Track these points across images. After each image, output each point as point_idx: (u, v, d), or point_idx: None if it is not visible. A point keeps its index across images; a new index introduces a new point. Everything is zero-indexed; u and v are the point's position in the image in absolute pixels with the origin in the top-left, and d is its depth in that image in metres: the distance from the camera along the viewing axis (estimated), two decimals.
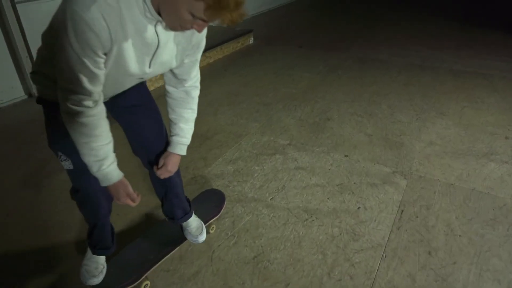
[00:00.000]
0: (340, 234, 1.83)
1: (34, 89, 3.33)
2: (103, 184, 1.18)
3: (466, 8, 7.40)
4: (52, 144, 1.23)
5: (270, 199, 2.07)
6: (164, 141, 1.44)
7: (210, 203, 1.92)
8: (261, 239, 1.80)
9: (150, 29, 1.01)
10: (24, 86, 3.38)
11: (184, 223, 1.69)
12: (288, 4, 7.82)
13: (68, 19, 0.89)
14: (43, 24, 1.09)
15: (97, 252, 1.48)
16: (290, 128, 2.83)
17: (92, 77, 0.99)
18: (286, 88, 3.58)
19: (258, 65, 4.27)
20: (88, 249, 1.51)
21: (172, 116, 1.38)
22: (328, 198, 2.07)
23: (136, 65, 1.06)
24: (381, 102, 3.26)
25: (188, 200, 1.68)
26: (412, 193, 2.11)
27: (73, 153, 1.13)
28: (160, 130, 1.43)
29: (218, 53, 4.53)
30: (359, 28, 5.87)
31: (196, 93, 1.37)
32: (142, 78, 1.21)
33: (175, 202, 1.58)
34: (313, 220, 1.91)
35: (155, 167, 1.41)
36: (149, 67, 1.11)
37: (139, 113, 1.36)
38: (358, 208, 2.00)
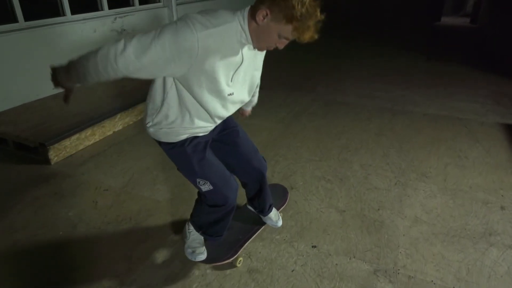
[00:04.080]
0: None
1: None
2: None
3: (429, 41, 7.31)
4: (190, 176, 1.49)
5: None
6: (259, 155, 1.74)
7: (277, 195, 2.22)
8: None
9: (240, 51, 1.27)
10: None
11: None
12: None
13: (181, 24, 1.15)
14: None
15: (214, 239, 1.73)
16: None
17: (156, 62, 1.17)
18: None
19: None
20: (190, 233, 1.76)
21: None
22: None
23: (223, 79, 1.27)
24: (352, 160, 2.79)
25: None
26: None
27: (209, 175, 1.45)
28: (253, 144, 1.72)
29: None
30: (324, 66, 5.54)
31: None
32: (239, 104, 1.44)
33: (266, 198, 1.88)
34: None
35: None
36: (231, 81, 1.31)
37: (232, 134, 1.63)
38: None
